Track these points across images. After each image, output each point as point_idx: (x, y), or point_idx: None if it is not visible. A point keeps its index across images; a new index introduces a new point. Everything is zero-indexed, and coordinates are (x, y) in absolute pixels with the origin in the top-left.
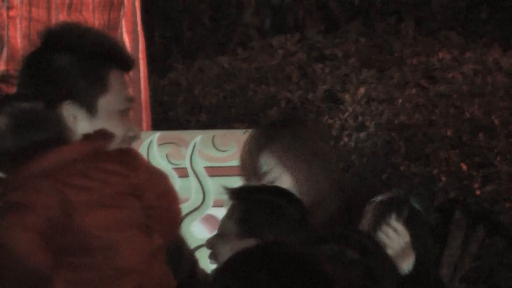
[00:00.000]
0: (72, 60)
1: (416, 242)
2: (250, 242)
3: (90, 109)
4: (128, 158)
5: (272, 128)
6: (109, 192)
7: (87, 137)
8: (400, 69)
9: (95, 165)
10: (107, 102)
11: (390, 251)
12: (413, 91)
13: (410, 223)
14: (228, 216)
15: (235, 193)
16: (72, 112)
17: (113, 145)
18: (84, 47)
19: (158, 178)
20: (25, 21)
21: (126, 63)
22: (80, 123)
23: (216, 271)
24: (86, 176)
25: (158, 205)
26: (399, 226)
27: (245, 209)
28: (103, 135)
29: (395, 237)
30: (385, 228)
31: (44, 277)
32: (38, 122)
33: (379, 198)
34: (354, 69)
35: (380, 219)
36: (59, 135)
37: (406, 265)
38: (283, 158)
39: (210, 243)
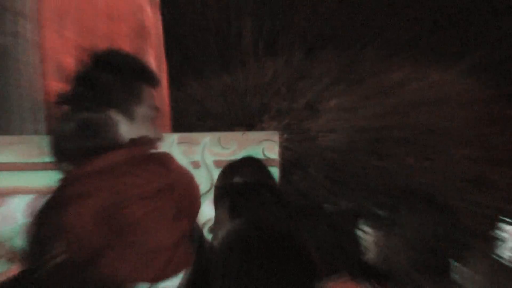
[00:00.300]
0: (115, 78)
1: (378, 241)
2: (238, 223)
3: (129, 117)
4: (165, 161)
5: (237, 163)
6: (149, 188)
7: (133, 142)
8: (363, 86)
9: (140, 166)
10: (141, 111)
11: (362, 248)
12: (372, 102)
13: (375, 226)
14: (220, 206)
15: (224, 188)
16: (116, 119)
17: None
18: (124, 68)
19: (186, 177)
20: (76, 49)
21: (154, 81)
22: (122, 127)
23: (218, 248)
24: (133, 175)
25: (185, 198)
26: (367, 229)
27: (233, 199)
28: (146, 141)
29: (366, 237)
30: (357, 232)
31: (96, 250)
32: (97, 129)
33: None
34: (327, 85)
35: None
36: (111, 139)
37: (368, 256)
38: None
39: (211, 229)
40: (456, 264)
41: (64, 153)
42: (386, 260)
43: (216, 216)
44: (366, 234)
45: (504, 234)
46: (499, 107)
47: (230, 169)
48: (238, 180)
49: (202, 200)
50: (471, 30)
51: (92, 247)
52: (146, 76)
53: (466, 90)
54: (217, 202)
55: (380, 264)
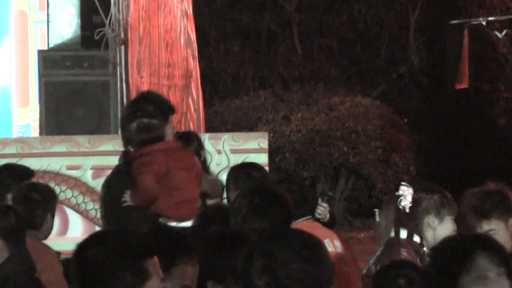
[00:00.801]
0: (153, 107)
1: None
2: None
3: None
4: (191, 152)
5: (240, 166)
6: (184, 163)
7: (175, 139)
8: (317, 105)
9: (178, 152)
10: (168, 128)
11: (322, 217)
12: (322, 115)
13: (328, 201)
14: (229, 180)
15: (233, 170)
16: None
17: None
18: (157, 102)
19: (198, 161)
20: (148, 84)
21: (173, 111)
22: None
23: (233, 201)
24: (176, 154)
25: (199, 172)
26: (324, 204)
27: (237, 176)
28: (178, 141)
29: (324, 210)
30: (319, 206)
31: (154, 196)
32: (152, 129)
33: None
34: (295, 105)
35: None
36: (159, 136)
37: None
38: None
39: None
40: (376, 210)
41: (130, 141)
42: (331, 211)
43: (227, 185)
44: (322, 206)
45: (401, 192)
46: (397, 117)
47: (236, 166)
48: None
49: (222, 173)
50: (380, 73)
51: (150, 196)
52: (170, 108)
53: (377, 107)
54: (229, 177)
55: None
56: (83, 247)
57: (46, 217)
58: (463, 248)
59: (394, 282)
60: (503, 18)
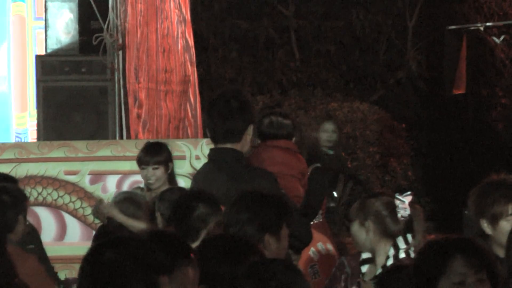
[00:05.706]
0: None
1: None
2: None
3: None
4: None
5: None
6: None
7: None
8: (315, 111)
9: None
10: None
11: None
12: (320, 120)
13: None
14: None
15: None
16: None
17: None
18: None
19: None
20: (146, 89)
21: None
22: None
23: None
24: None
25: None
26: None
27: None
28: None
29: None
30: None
31: None
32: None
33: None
34: (293, 110)
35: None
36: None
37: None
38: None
39: None
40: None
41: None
42: None
43: None
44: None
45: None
46: (395, 123)
47: None
48: None
49: None
50: (378, 78)
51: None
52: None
53: (375, 113)
54: None
55: None
56: (101, 247)
57: (18, 219)
58: (442, 252)
59: (397, 285)
60: (500, 23)
